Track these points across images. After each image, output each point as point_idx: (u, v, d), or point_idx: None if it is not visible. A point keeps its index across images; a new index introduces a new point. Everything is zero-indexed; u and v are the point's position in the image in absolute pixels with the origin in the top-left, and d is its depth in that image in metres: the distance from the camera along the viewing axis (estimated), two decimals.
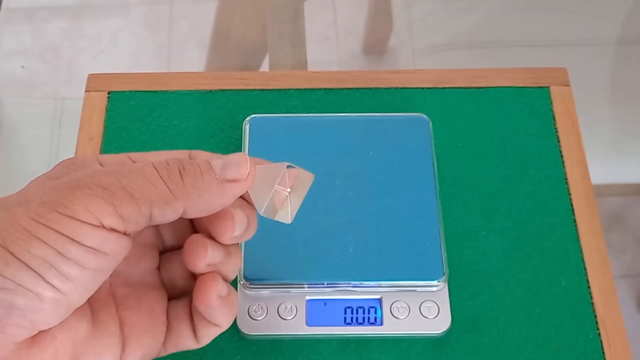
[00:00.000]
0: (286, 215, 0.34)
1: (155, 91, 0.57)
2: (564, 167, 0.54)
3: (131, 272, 0.34)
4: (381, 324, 0.47)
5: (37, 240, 0.27)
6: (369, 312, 0.47)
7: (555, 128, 0.55)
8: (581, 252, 0.50)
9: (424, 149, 0.52)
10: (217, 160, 0.32)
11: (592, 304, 0.49)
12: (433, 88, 0.57)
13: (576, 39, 0.88)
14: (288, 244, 0.48)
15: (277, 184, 0.33)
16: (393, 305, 0.47)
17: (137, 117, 0.56)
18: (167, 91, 0.57)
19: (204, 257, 0.33)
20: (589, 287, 0.49)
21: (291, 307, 0.47)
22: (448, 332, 0.47)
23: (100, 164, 0.33)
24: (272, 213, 0.34)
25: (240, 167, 0.32)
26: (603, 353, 0.47)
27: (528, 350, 0.47)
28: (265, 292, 0.47)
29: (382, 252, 0.48)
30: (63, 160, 0.33)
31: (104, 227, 0.28)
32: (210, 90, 0.57)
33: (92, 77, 0.58)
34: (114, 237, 0.29)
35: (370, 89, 0.57)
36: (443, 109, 0.56)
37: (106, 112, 0.56)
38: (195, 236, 0.33)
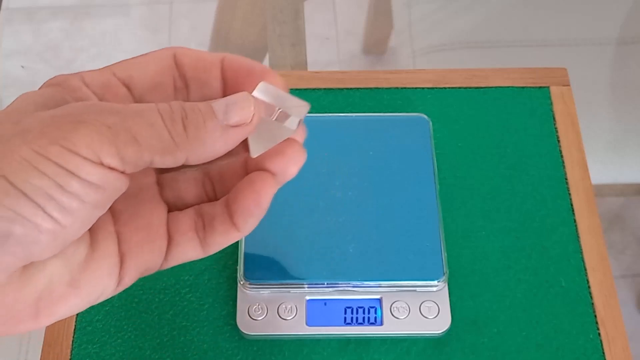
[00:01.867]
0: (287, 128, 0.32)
1: None
2: (564, 167, 0.54)
3: (128, 188, 0.32)
4: (381, 324, 0.47)
5: (38, 171, 0.27)
6: (369, 312, 0.47)
7: (555, 128, 0.55)
8: (581, 252, 0.50)
9: (424, 149, 0.52)
10: (220, 102, 0.31)
11: (592, 304, 0.49)
12: (433, 88, 0.57)
13: (576, 39, 0.88)
14: (288, 244, 0.48)
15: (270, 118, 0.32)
16: (393, 305, 0.47)
17: None
18: None
19: (270, 196, 0.32)
20: (588, 287, 0.49)
21: (291, 307, 0.47)
22: (448, 332, 0.47)
23: (86, 85, 0.32)
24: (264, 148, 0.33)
25: (244, 109, 0.30)
26: (603, 353, 0.47)
27: (528, 350, 0.47)
28: (265, 292, 0.47)
29: (382, 252, 0.48)
30: (48, 81, 0.32)
31: (103, 164, 0.28)
32: None
33: None
34: (113, 175, 0.28)
35: (370, 89, 0.57)
36: (443, 109, 0.56)
37: None
38: (257, 177, 0.32)
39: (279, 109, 0.32)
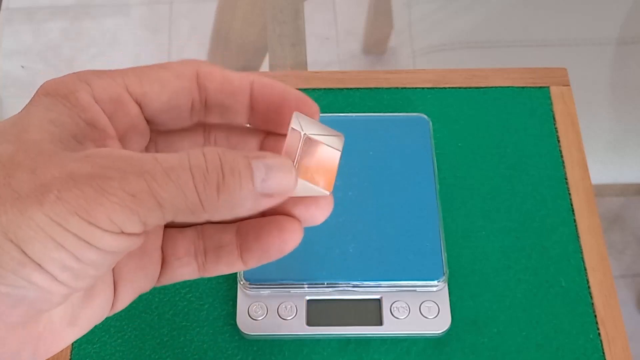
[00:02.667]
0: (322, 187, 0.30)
1: None
2: (563, 167, 0.54)
3: None
4: (381, 324, 0.47)
5: (54, 243, 0.25)
6: (368, 312, 0.47)
7: (555, 128, 0.55)
8: (581, 252, 0.50)
9: (424, 149, 0.52)
10: (260, 165, 0.27)
11: (592, 304, 0.49)
12: (433, 88, 0.57)
13: (576, 38, 0.88)
14: None
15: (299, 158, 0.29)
16: (393, 305, 0.47)
17: None
18: None
19: (295, 245, 0.30)
20: (588, 287, 0.49)
21: (291, 307, 0.47)
22: (448, 332, 0.47)
23: (95, 100, 0.29)
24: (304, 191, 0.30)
25: (283, 181, 0.28)
26: (603, 353, 0.47)
27: (528, 350, 0.47)
28: (265, 292, 0.47)
29: (382, 252, 0.48)
30: (53, 85, 0.29)
31: (124, 233, 0.26)
32: None
33: None
34: (131, 240, 0.27)
35: (370, 89, 0.57)
36: (443, 109, 0.56)
37: None
38: (286, 223, 0.30)
39: (314, 139, 0.30)
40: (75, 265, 0.26)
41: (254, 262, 0.31)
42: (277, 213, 0.30)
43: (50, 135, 0.28)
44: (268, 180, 0.27)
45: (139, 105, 0.30)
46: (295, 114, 0.29)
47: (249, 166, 0.27)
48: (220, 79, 0.31)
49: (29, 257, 0.25)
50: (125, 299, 0.31)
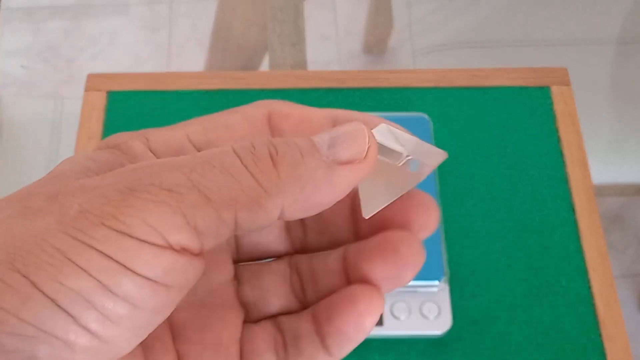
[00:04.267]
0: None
1: (155, 91, 0.57)
2: (564, 166, 0.54)
3: (196, 289, 0.25)
4: (382, 324, 0.47)
5: (74, 267, 0.19)
6: None
7: (556, 128, 0.55)
8: (582, 252, 0.50)
9: None
10: (323, 135, 0.22)
11: (593, 303, 0.49)
12: (433, 88, 0.57)
13: (576, 38, 0.88)
14: None
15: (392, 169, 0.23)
16: (394, 306, 0.47)
17: (136, 117, 0.55)
18: (166, 91, 0.57)
19: (376, 318, 0.23)
20: (589, 286, 0.49)
21: None
22: (449, 333, 0.47)
23: (151, 150, 0.24)
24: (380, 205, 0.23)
25: (356, 140, 0.22)
26: (603, 353, 0.47)
27: (529, 350, 0.47)
28: None
29: None
30: (104, 141, 0.24)
31: (171, 247, 0.20)
32: (210, 90, 0.57)
33: (91, 77, 0.58)
34: (183, 261, 0.20)
35: (370, 88, 0.57)
36: (443, 108, 0.56)
37: (105, 112, 0.56)
38: (360, 293, 0.23)
39: (407, 156, 0.24)
40: (102, 301, 0.19)
41: (338, 349, 0.24)
42: (357, 275, 0.24)
43: (84, 170, 0.23)
44: (336, 144, 0.22)
45: None
46: (382, 124, 0.24)
47: (307, 137, 0.22)
48: (298, 117, 0.25)
49: (37, 288, 0.19)
50: None
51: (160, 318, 0.21)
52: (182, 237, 0.20)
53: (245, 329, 0.25)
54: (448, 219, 0.51)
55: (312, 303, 0.25)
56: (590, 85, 0.84)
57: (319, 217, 0.25)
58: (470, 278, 0.49)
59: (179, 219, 0.20)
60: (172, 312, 0.23)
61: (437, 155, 0.24)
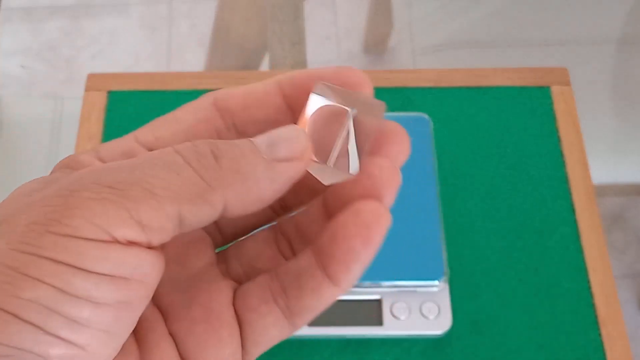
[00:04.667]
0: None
1: (155, 91, 0.56)
2: (564, 166, 0.54)
3: (179, 279, 0.25)
4: (381, 324, 0.47)
5: (28, 279, 0.19)
6: (369, 313, 0.47)
7: (556, 128, 0.55)
8: (582, 252, 0.50)
9: (425, 149, 0.52)
10: (261, 137, 0.23)
11: (593, 304, 0.49)
12: (434, 87, 0.57)
13: (577, 38, 0.88)
14: None
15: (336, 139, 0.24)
16: (393, 306, 0.47)
17: (136, 117, 0.55)
18: (166, 91, 0.57)
19: (385, 232, 0.23)
20: (589, 287, 0.49)
21: None
22: (449, 333, 0.47)
23: (100, 159, 0.25)
24: (340, 176, 0.24)
25: (293, 142, 0.23)
26: (604, 353, 0.47)
27: (529, 350, 0.47)
28: None
29: (382, 252, 0.48)
30: (57, 164, 0.25)
31: (117, 241, 0.20)
32: (210, 90, 0.56)
33: (91, 77, 0.58)
34: (135, 254, 0.20)
35: None
36: (444, 108, 0.56)
37: (105, 112, 0.56)
38: (364, 206, 0.23)
39: (349, 110, 0.24)
40: (63, 305, 0.19)
41: (343, 269, 0.23)
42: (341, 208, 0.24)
43: (31, 190, 0.23)
44: (274, 145, 0.23)
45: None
46: (319, 83, 0.24)
47: (245, 139, 0.23)
48: (242, 93, 0.26)
49: (1, 309, 0.19)
50: None
51: (132, 313, 0.21)
52: (127, 231, 0.20)
53: (237, 292, 0.25)
54: (448, 219, 0.51)
55: None
56: (591, 85, 0.84)
57: None
58: (470, 278, 0.49)
59: (122, 213, 0.20)
60: (160, 301, 0.24)
61: (378, 106, 0.24)
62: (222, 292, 0.25)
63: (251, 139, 0.23)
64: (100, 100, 0.56)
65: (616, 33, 0.89)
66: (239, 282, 0.25)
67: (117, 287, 0.20)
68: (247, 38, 1.02)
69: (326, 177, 0.24)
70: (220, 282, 0.25)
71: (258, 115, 0.26)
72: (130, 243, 0.20)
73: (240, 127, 0.26)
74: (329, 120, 0.24)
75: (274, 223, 0.26)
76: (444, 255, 0.48)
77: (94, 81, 0.57)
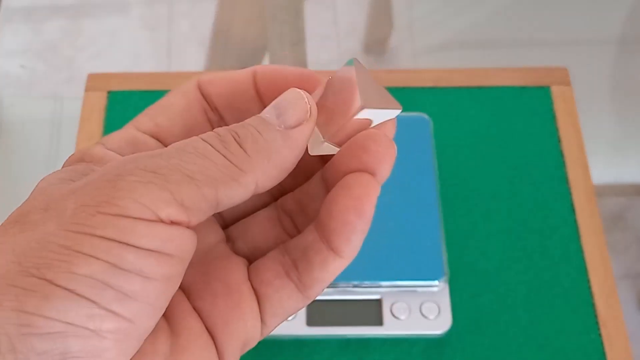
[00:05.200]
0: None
1: (155, 91, 0.56)
2: (565, 167, 0.54)
3: (193, 256, 0.26)
4: (381, 324, 0.47)
5: (82, 256, 0.20)
6: (369, 312, 0.47)
7: (556, 128, 0.55)
8: (582, 253, 0.50)
9: (425, 149, 0.51)
10: (268, 109, 0.25)
11: (593, 304, 0.49)
12: (434, 87, 0.57)
13: (577, 38, 0.88)
14: None
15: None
16: (393, 306, 0.47)
17: None
18: (166, 91, 0.56)
19: (374, 200, 0.24)
20: (589, 287, 0.49)
21: None
22: (449, 333, 0.47)
23: (109, 149, 0.27)
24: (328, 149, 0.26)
25: (297, 106, 0.25)
26: (604, 353, 0.47)
27: (529, 350, 0.47)
28: None
29: (382, 252, 0.48)
30: (67, 160, 0.27)
31: (162, 221, 0.21)
32: None
33: (91, 77, 0.58)
34: (177, 232, 0.22)
35: None
36: (444, 108, 0.56)
37: (105, 112, 0.56)
38: (353, 179, 0.24)
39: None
40: (116, 279, 0.21)
41: (344, 244, 0.25)
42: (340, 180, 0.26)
43: (60, 181, 0.24)
44: (282, 114, 0.25)
45: (156, 138, 0.28)
46: (356, 60, 0.26)
47: (256, 116, 0.25)
48: (220, 80, 0.28)
49: (54, 284, 0.20)
50: (231, 350, 0.25)
51: (171, 288, 0.22)
52: (170, 211, 0.22)
53: (250, 268, 0.26)
54: (448, 219, 0.51)
55: None
56: (591, 85, 0.84)
57: None
58: (470, 278, 0.49)
59: (166, 195, 0.21)
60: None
61: (393, 106, 0.26)
62: (238, 267, 0.26)
63: (260, 115, 0.25)
64: (100, 100, 0.56)
65: (616, 33, 0.89)
66: (248, 260, 0.27)
67: (163, 263, 0.22)
68: (247, 38, 1.02)
69: (314, 147, 0.26)
70: (233, 258, 0.26)
71: (234, 103, 0.28)
72: (173, 222, 0.22)
73: (222, 111, 0.28)
74: (342, 92, 0.26)
75: (275, 202, 0.28)
76: (444, 255, 0.48)
77: (94, 81, 0.57)
